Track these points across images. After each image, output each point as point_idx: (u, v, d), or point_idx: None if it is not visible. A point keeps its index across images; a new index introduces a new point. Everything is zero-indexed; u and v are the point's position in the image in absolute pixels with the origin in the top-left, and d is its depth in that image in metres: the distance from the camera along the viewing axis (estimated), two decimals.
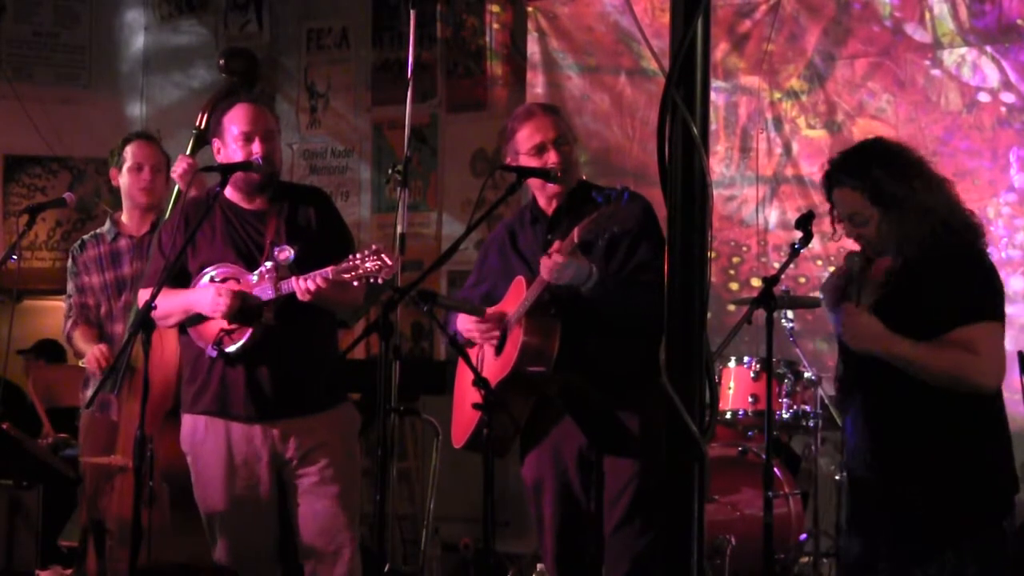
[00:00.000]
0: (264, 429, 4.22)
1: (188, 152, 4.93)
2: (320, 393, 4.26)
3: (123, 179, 5.13)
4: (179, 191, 4.85)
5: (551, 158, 4.00)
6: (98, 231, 5.22)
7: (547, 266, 3.77)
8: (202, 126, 5.02)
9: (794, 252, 3.87)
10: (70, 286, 5.15)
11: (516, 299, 3.95)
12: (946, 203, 3.40)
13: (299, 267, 4.09)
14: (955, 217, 3.40)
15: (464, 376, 4.13)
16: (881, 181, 3.37)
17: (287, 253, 4.08)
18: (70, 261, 5.20)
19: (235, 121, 4.20)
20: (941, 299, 3.29)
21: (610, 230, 3.67)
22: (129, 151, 5.12)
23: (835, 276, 3.58)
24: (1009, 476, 3.37)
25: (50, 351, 7.81)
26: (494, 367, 3.99)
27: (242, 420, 4.21)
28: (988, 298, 3.32)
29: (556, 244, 3.81)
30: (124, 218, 5.19)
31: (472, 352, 4.14)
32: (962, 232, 3.38)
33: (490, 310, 4.06)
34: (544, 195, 4.10)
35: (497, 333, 4.01)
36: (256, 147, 4.18)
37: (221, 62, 5.21)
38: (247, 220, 4.27)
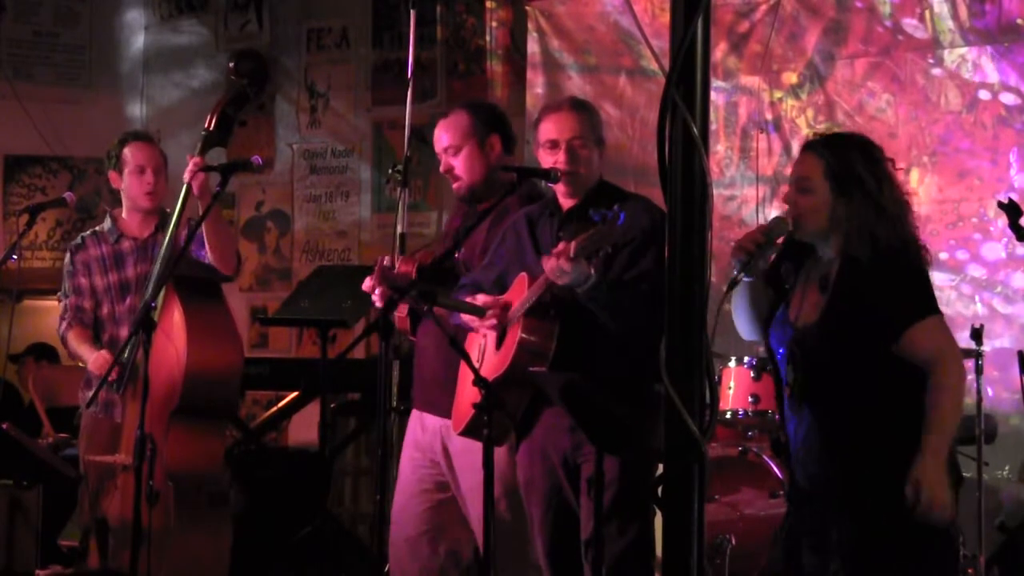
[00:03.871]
0: (430, 419, 4.28)
1: (197, 153, 4.88)
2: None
3: (125, 182, 5.04)
4: (187, 191, 4.80)
5: (560, 157, 3.98)
6: (98, 229, 5.12)
7: (550, 266, 3.76)
8: (211, 128, 4.99)
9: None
10: (66, 286, 5.05)
11: (519, 295, 3.95)
12: (901, 216, 3.41)
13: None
14: (905, 231, 3.41)
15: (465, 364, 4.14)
16: (853, 163, 3.38)
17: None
18: (67, 258, 5.09)
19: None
20: (887, 304, 3.31)
21: (604, 249, 3.66)
22: (128, 153, 5.02)
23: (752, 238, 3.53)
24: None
25: (43, 353, 7.78)
26: (493, 362, 3.99)
27: (417, 406, 4.38)
28: (927, 295, 3.36)
29: (561, 246, 3.79)
30: (124, 217, 5.14)
31: (473, 342, 4.14)
32: (909, 244, 3.40)
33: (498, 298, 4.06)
34: (561, 192, 4.08)
35: (495, 321, 3.99)
36: None
37: (231, 65, 5.18)
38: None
